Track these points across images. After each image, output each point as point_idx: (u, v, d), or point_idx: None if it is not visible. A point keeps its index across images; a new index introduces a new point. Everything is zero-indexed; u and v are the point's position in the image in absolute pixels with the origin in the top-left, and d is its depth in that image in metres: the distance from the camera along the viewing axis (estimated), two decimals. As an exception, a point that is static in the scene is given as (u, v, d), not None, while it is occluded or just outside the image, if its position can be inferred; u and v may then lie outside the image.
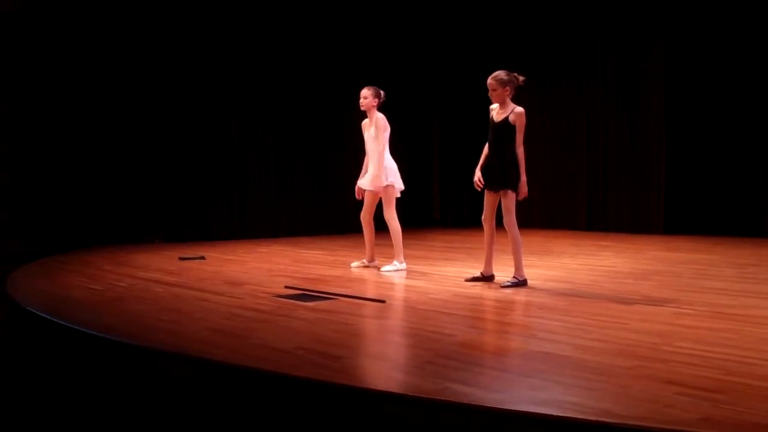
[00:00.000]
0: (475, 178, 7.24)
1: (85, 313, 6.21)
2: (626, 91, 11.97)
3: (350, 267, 8.61)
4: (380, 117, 8.29)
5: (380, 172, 8.22)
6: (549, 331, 5.22)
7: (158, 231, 11.78)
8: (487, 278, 7.34)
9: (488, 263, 7.35)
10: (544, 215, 13.01)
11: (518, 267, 7.10)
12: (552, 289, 6.90)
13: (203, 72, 12.01)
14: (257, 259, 9.74)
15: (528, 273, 7.58)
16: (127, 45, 11.54)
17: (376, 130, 8.27)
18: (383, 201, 8.35)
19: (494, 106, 7.15)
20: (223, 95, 12.19)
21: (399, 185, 8.34)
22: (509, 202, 6.99)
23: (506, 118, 6.99)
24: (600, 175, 12.35)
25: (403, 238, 8.43)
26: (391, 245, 8.33)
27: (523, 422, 3.45)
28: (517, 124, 6.95)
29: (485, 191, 7.19)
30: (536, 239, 11.22)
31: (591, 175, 12.48)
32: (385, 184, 8.25)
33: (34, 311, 6.34)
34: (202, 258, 9.68)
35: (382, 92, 8.36)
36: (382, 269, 8.28)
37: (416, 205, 13.66)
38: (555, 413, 3.42)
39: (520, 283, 7.04)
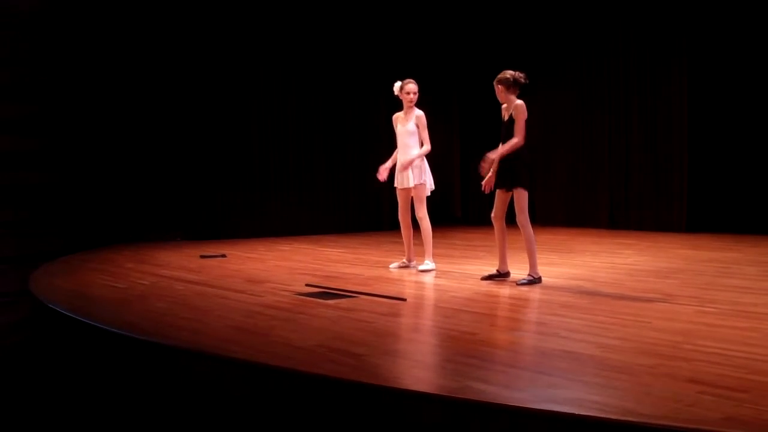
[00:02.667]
0: (483, 181, 7.23)
1: (107, 310, 6.24)
2: (648, 90, 11.90)
3: (389, 268, 8.39)
4: (421, 114, 8.12)
5: (421, 170, 8.08)
6: (570, 329, 5.20)
7: (179, 229, 11.83)
8: (503, 275, 7.32)
9: (503, 260, 7.33)
10: (566, 213, 12.96)
11: (533, 265, 7.07)
12: (574, 287, 6.87)
13: (224, 71, 12.04)
14: (278, 257, 9.75)
15: (550, 271, 7.56)
16: (149, 44, 11.60)
17: (416, 127, 8.08)
18: (414, 199, 8.15)
19: (504, 106, 7.19)
20: (243, 94, 12.22)
21: (430, 185, 8.18)
22: (522, 200, 6.94)
23: (510, 115, 7.03)
24: (622, 174, 12.29)
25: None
26: (421, 243, 8.20)
27: (544, 421, 3.44)
28: (516, 117, 6.95)
29: (497, 190, 7.16)
30: (558, 237, 11.18)
31: (613, 173, 12.41)
32: (418, 183, 8.07)
33: (56, 309, 6.38)
34: (224, 256, 9.70)
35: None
36: (419, 267, 8.12)
37: (437, 203, 13.62)
38: (576, 412, 3.41)
39: (535, 280, 7.02)
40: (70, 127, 11.23)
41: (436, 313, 6.28)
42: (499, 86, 7.09)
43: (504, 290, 6.90)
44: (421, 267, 8.13)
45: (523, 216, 6.95)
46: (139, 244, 11.07)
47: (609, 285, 7.00)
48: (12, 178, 10.72)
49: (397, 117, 8.32)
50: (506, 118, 7.08)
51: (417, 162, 8.07)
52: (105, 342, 5.60)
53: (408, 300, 6.49)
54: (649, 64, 11.87)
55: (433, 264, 8.15)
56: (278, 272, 8.31)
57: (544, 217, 13.00)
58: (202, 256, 9.65)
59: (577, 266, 8.28)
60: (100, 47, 11.34)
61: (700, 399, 3.54)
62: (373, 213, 13.14)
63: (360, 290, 6.85)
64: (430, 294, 7.20)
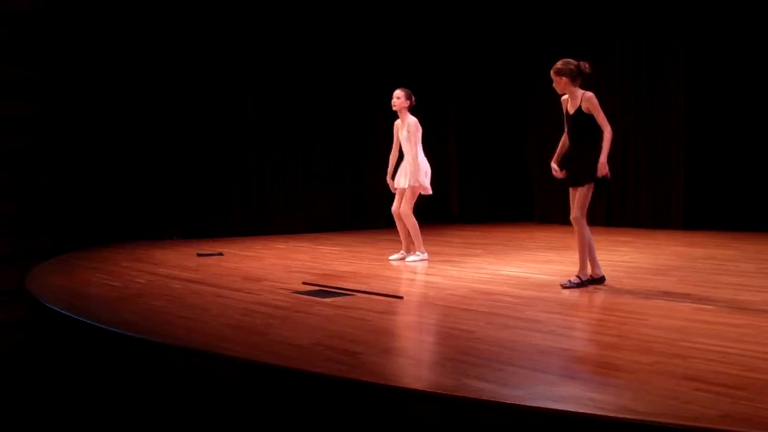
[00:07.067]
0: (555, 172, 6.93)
1: (104, 309, 6.24)
2: (645, 86, 11.88)
3: (389, 260, 8.78)
4: (413, 120, 8.60)
5: (416, 172, 8.54)
6: (567, 327, 5.21)
7: (176, 227, 11.82)
8: (596, 280, 6.84)
9: (594, 264, 6.91)
10: (564, 211, 12.92)
11: (582, 266, 6.76)
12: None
13: (221, 69, 12.02)
14: (275, 255, 9.75)
15: (547, 269, 7.57)
16: (146, 42, 11.58)
17: (408, 133, 8.58)
18: (405, 197, 8.61)
19: (565, 97, 6.86)
20: (240, 92, 12.20)
21: (427, 187, 8.65)
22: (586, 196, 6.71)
23: (579, 108, 6.69)
24: (619, 171, 12.26)
25: (421, 234, 8.57)
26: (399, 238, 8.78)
27: (541, 419, 3.44)
28: (593, 109, 6.63)
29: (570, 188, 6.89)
30: (555, 234, 11.19)
31: (610, 170, 12.37)
32: (415, 184, 8.56)
33: (53, 308, 6.37)
34: (220, 254, 9.70)
35: (413, 96, 8.66)
36: (406, 260, 8.65)
37: (434, 202, 13.63)
38: (573, 409, 3.41)
39: (582, 283, 6.67)
40: (68, 126, 11.21)
41: (433, 311, 6.28)
42: (563, 78, 6.74)
43: (501, 288, 6.89)
44: (408, 259, 8.67)
45: (580, 212, 6.76)
46: (135, 243, 11.06)
47: (606, 282, 6.99)
48: (9, 176, 10.71)
49: (397, 124, 8.79)
50: (572, 111, 6.74)
51: (414, 166, 8.57)
52: (102, 341, 5.59)
53: (405, 298, 6.49)
54: (645, 62, 11.85)
55: (425, 254, 8.68)
56: (275, 270, 8.31)
57: (542, 215, 13.01)
58: (199, 255, 9.65)
59: (574, 264, 8.24)
60: (97, 46, 11.32)
61: (697, 396, 3.54)
62: (370, 211, 13.13)
63: (357, 288, 6.85)
64: (427, 292, 7.19)
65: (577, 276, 6.74)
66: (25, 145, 10.81)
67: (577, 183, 6.76)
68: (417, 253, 8.67)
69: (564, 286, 6.67)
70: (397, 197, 8.75)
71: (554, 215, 12.79)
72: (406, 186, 8.60)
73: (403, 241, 8.82)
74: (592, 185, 6.75)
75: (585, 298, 6.26)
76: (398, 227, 8.80)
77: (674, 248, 9.43)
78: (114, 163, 11.49)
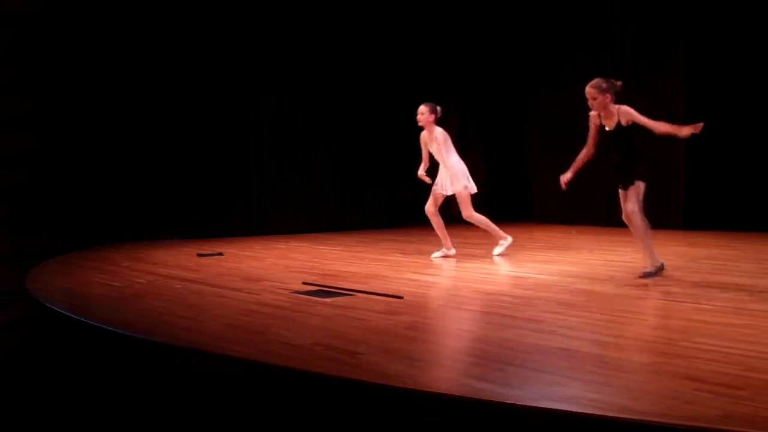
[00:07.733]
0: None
1: (104, 309, 6.24)
2: (645, 88, 11.87)
3: (431, 258, 8.88)
4: (440, 132, 8.66)
5: (458, 178, 8.69)
6: (568, 327, 5.20)
7: (176, 227, 11.83)
8: (660, 269, 7.15)
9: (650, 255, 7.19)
10: (564, 210, 12.95)
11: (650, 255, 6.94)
12: (571, 284, 6.87)
13: (221, 69, 12.03)
14: (275, 255, 9.75)
15: (547, 269, 7.55)
16: (147, 43, 11.59)
17: (437, 145, 8.63)
18: (460, 203, 8.76)
19: (594, 113, 7.09)
20: (240, 92, 12.21)
21: (472, 187, 8.79)
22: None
23: (619, 123, 6.95)
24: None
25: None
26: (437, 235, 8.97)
27: (541, 419, 3.44)
28: (634, 117, 6.90)
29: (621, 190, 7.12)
30: (555, 234, 11.19)
31: (610, 171, 12.37)
32: (459, 189, 8.67)
33: (53, 308, 6.37)
34: (220, 254, 9.70)
35: (438, 107, 8.73)
36: (497, 251, 8.89)
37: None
38: (574, 410, 3.41)
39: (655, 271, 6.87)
40: (68, 126, 11.22)
41: (434, 311, 6.28)
42: (608, 95, 6.99)
43: (501, 288, 6.89)
44: (497, 251, 8.88)
45: (635, 207, 6.93)
46: (135, 243, 11.06)
47: (606, 282, 7.00)
48: (8, 176, 10.72)
49: (423, 136, 8.84)
50: (610, 127, 6.99)
51: (453, 173, 8.72)
52: (102, 341, 5.59)
53: (405, 298, 6.48)
54: (645, 63, 11.84)
55: (508, 240, 8.96)
56: (275, 270, 8.31)
57: (542, 215, 13.01)
58: (199, 255, 9.65)
59: (574, 263, 8.28)
60: (98, 46, 11.34)
61: (697, 396, 3.54)
62: (370, 211, 13.14)
63: (357, 288, 6.85)
64: (427, 292, 7.19)
65: (652, 265, 6.86)
66: (25, 145, 10.81)
67: (629, 182, 6.99)
68: (501, 242, 8.91)
69: (641, 276, 6.83)
70: (431, 198, 8.85)
71: (554, 215, 12.79)
72: (450, 192, 8.74)
73: (442, 239, 8.96)
74: (643, 183, 6.99)
75: (585, 298, 6.25)
76: (434, 225, 8.90)
77: (674, 248, 9.41)
78: (114, 164, 11.50)
